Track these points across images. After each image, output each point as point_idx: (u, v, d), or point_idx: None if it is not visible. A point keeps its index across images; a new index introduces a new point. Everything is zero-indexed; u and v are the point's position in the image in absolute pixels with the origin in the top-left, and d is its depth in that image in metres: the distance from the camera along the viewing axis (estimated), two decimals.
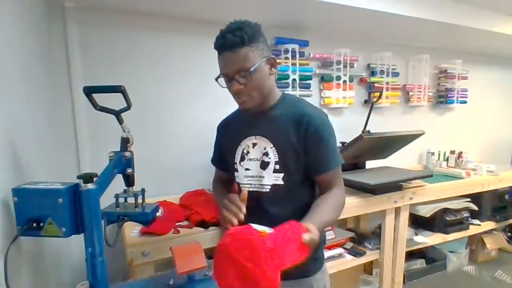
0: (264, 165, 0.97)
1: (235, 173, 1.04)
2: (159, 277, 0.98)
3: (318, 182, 0.98)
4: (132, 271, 1.21)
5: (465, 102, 2.86)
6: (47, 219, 0.64)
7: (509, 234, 2.72)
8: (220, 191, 1.16)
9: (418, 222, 2.21)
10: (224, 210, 0.88)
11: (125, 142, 0.83)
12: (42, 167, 1.02)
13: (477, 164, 2.45)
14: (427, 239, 2.12)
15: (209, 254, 0.85)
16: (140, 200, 0.84)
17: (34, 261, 0.83)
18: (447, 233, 2.17)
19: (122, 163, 0.82)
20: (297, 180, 0.96)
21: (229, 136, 1.07)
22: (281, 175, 0.95)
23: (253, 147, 0.99)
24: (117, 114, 0.82)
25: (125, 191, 0.85)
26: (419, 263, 2.39)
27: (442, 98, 2.77)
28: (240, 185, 1.04)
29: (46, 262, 0.95)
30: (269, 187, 0.96)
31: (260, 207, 0.98)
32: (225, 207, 0.90)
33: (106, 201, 0.78)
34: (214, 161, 1.21)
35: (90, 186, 0.65)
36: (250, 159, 0.99)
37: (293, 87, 2.00)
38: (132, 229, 1.29)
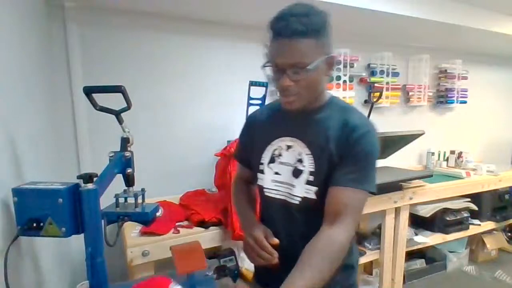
0: (297, 173, 0.83)
1: (259, 174, 0.90)
2: None
3: (326, 200, 0.78)
4: (132, 271, 1.21)
5: (465, 102, 2.86)
6: (47, 219, 0.64)
7: (509, 234, 2.72)
8: (242, 196, 1.01)
9: (418, 222, 2.21)
10: (255, 256, 0.81)
11: (125, 142, 0.83)
12: (42, 167, 1.02)
13: (477, 164, 2.45)
14: (427, 239, 2.12)
15: (209, 254, 0.85)
16: (140, 200, 0.84)
17: (34, 261, 0.83)
18: (447, 233, 2.17)
19: (122, 163, 0.82)
20: None
21: (260, 132, 0.92)
22: (315, 188, 0.80)
23: (287, 150, 0.85)
24: (117, 114, 0.82)
25: (125, 191, 0.85)
26: (419, 263, 2.39)
27: (442, 98, 2.77)
28: (264, 190, 0.89)
29: (46, 262, 0.95)
30: (299, 199, 0.82)
31: (291, 220, 0.86)
32: (255, 251, 0.81)
33: (106, 201, 0.78)
34: (239, 156, 1.04)
35: (90, 186, 0.65)
36: (282, 163, 0.86)
37: None
38: (132, 229, 1.29)
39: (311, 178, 0.81)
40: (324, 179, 0.79)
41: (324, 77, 0.80)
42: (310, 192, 0.81)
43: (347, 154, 0.77)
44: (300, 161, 0.83)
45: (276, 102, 0.92)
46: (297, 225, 0.85)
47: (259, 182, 0.91)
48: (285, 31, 0.72)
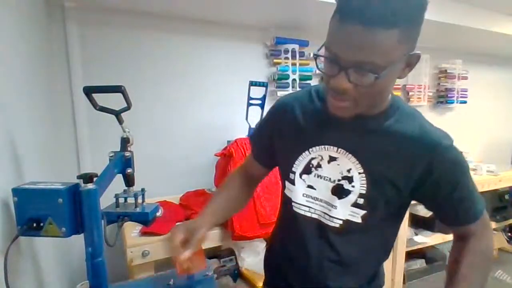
0: (340, 192, 0.69)
1: (289, 184, 0.75)
2: (159, 277, 0.98)
3: (457, 232, 0.78)
4: (132, 271, 1.21)
5: (465, 102, 2.86)
6: (47, 219, 0.64)
7: (509, 234, 2.71)
8: (226, 192, 0.86)
9: (418, 222, 2.21)
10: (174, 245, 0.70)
11: (125, 142, 0.83)
12: (42, 167, 1.02)
13: (477, 164, 2.44)
14: (427, 239, 2.12)
15: (209, 254, 0.85)
16: (140, 200, 0.84)
17: (34, 261, 0.83)
18: (447, 233, 2.16)
19: (122, 163, 0.82)
20: (381, 219, 0.70)
21: (293, 131, 0.74)
22: (362, 212, 0.67)
23: (328, 162, 0.70)
24: (117, 114, 0.82)
25: (125, 191, 0.85)
26: (419, 263, 2.39)
27: (442, 98, 2.77)
28: (293, 204, 0.75)
29: (46, 262, 0.95)
30: (340, 222, 0.69)
31: (324, 242, 0.73)
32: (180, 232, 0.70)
33: (106, 201, 0.78)
34: (255, 150, 0.88)
35: (90, 186, 0.65)
36: (320, 176, 0.71)
37: (293, 87, 1.99)
38: (132, 229, 1.29)
39: (361, 201, 0.67)
40: (377, 203, 0.67)
41: (395, 79, 0.61)
42: (356, 216, 0.68)
43: (442, 192, 0.66)
44: (347, 179, 0.68)
45: (322, 89, 0.73)
46: (331, 248, 0.72)
47: (287, 193, 0.77)
48: (359, 14, 0.50)
